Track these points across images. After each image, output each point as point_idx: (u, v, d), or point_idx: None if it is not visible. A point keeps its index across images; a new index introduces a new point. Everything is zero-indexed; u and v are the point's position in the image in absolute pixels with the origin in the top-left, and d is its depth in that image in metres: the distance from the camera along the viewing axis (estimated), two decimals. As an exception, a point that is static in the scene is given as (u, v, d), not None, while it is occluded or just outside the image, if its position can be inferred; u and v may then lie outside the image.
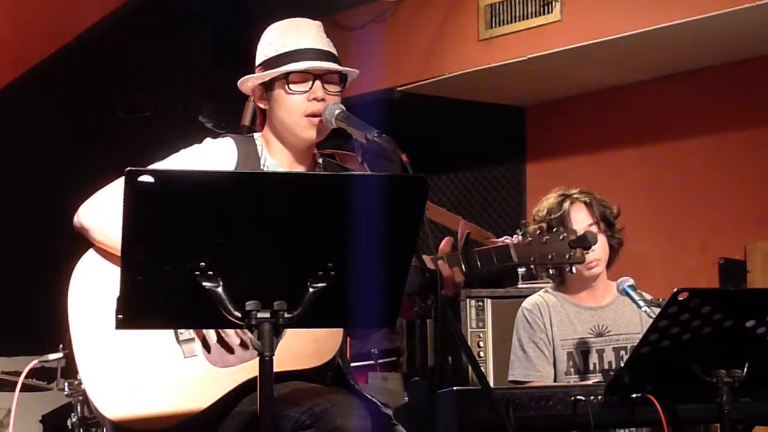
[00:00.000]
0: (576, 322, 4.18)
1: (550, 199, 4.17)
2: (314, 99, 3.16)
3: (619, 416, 3.41)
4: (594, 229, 4.09)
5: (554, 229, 3.27)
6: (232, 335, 3.07)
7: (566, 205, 4.13)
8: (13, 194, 6.52)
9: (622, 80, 6.62)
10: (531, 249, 3.24)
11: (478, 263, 3.20)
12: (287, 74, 3.17)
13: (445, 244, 3.17)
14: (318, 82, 3.17)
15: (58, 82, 6.61)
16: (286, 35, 3.22)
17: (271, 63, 3.21)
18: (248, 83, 3.27)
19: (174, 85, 7.27)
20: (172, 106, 7.23)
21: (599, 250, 4.12)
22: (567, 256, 3.26)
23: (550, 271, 4.19)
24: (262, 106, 3.28)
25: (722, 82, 6.29)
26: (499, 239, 3.29)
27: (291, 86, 3.17)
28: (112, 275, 3.02)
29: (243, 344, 3.07)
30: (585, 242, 3.26)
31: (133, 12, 6.58)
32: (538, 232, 3.27)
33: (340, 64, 3.23)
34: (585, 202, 4.16)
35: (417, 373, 5.69)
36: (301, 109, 3.17)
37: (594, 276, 4.18)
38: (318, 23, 3.27)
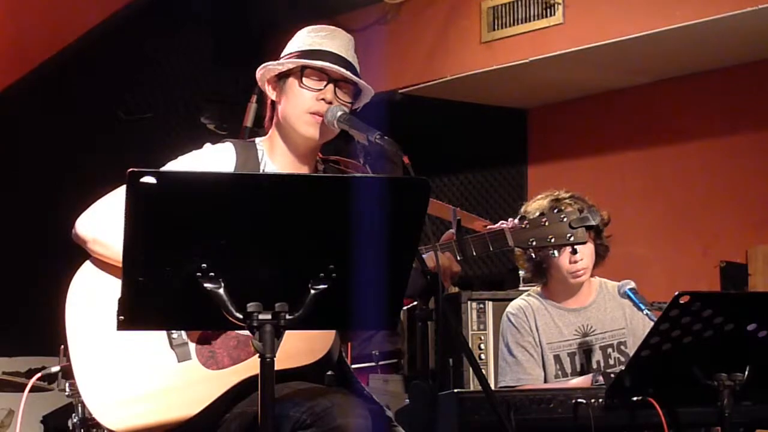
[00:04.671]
0: (561, 324, 4.19)
1: (543, 202, 4.13)
2: (322, 99, 3.18)
3: (620, 419, 3.41)
4: None
5: (554, 210, 3.26)
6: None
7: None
8: (15, 196, 6.52)
9: (623, 83, 6.62)
10: (528, 232, 3.23)
11: (473, 250, 3.19)
12: (303, 69, 3.19)
13: (445, 237, 3.18)
14: (331, 86, 3.19)
15: (58, 84, 6.62)
16: (316, 37, 3.25)
17: (292, 56, 3.24)
18: (265, 71, 3.27)
19: (175, 86, 7.27)
20: (173, 108, 7.23)
21: (587, 259, 4.13)
22: (568, 236, 3.24)
23: (532, 271, 4.23)
24: (272, 97, 3.29)
25: (724, 86, 6.30)
26: (496, 224, 3.28)
27: (305, 80, 3.20)
28: (109, 286, 3.05)
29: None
30: (587, 221, 3.25)
31: (134, 14, 6.59)
32: (537, 215, 3.27)
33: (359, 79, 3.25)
34: (579, 210, 4.12)
35: (418, 375, 5.69)
36: (307, 105, 3.19)
37: (579, 284, 4.19)
38: (350, 37, 3.29)
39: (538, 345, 4.15)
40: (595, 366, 4.14)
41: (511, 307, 4.26)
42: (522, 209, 4.14)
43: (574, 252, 4.00)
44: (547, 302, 4.22)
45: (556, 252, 3.38)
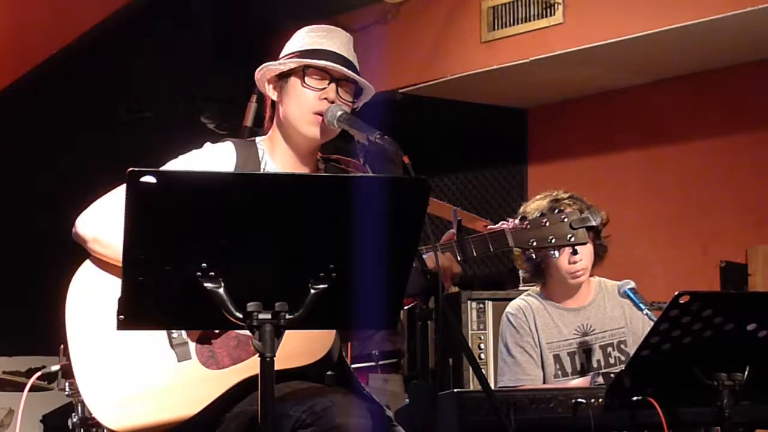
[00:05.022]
0: (560, 324, 4.19)
1: (542, 202, 4.14)
2: (325, 99, 3.18)
3: (620, 419, 3.41)
4: None
5: (555, 211, 3.26)
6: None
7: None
8: (15, 196, 6.52)
9: (623, 83, 6.62)
10: (529, 233, 3.23)
11: (473, 250, 3.19)
12: (305, 68, 3.19)
13: (445, 237, 3.18)
14: (333, 85, 3.19)
15: (58, 83, 6.62)
16: (316, 36, 3.25)
17: (294, 56, 3.23)
18: (265, 71, 3.27)
19: (175, 86, 7.27)
20: (173, 107, 7.23)
21: (586, 260, 4.13)
22: (569, 237, 3.24)
23: (529, 273, 4.23)
24: (273, 97, 3.29)
25: (724, 85, 6.29)
26: (496, 225, 3.28)
27: (307, 80, 3.20)
28: (109, 285, 3.05)
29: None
30: (587, 222, 3.25)
31: (134, 13, 6.59)
32: (537, 215, 3.27)
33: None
34: (579, 210, 4.11)
35: (418, 375, 5.69)
36: (311, 105, 3.19)
37: (579, 284, 4.19)
38: (349, 36, 3.30)
39: (537, 345, 4.15)
40: (595, 365, 4.14)
41: (511, 307, 4.25)
42: (521, 210, 4.14)
43: (574, 252, 4.00)
44: (547, 302, 4.22)
45: (556, 252, 3.39)
